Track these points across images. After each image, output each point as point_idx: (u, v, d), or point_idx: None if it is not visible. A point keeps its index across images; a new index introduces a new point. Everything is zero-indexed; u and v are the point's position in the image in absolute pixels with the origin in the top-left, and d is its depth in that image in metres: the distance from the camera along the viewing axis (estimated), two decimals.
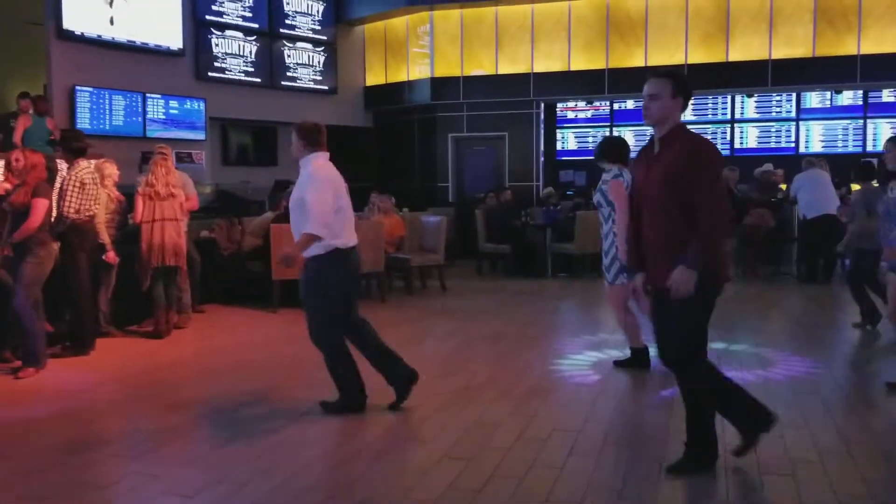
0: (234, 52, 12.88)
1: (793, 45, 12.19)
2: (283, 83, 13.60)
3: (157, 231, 7.01)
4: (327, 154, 4.67)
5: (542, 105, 13.76)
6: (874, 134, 12.71)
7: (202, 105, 12.33)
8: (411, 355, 6.10)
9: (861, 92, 12.77)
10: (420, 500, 3.43)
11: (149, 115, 11.66)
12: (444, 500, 3.42)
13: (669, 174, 3.49)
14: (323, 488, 3.63)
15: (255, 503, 3.44)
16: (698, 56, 12.63)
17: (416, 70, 14.33)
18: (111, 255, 6.82)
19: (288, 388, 5.36)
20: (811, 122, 13.16)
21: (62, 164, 6.56)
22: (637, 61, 12.93)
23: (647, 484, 3.58)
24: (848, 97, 12.92)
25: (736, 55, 12.47)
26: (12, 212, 5.72)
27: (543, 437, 4.20)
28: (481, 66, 13.82)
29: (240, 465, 3.88)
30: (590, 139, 14.32)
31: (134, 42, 11.36)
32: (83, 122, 10.73)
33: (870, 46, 11.83)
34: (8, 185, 6.07)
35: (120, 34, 11.17)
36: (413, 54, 14.39)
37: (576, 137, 14.50)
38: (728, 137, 13.44)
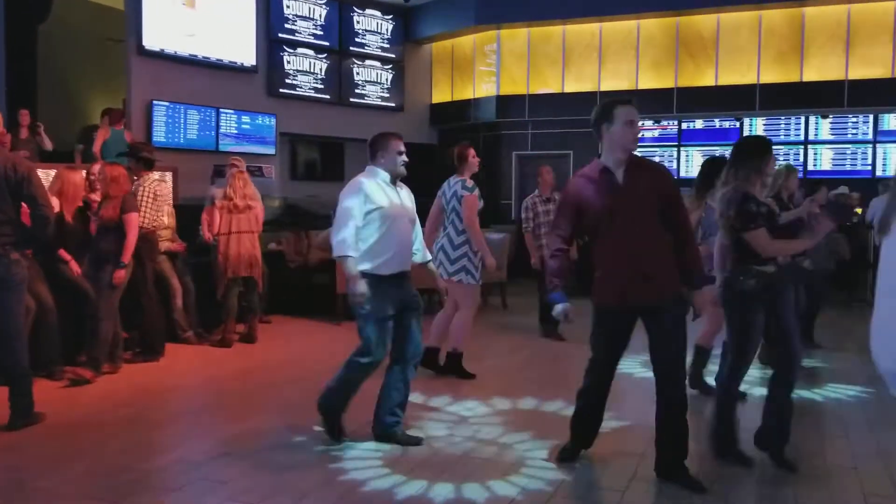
0: (305, 70, 13.15)
1: (871, 66, 11.83)
2: (351, 100, 13.81)
3: (233, 243, 7.19)
4: None
5: None
6: None
7: (273, 120, 12.61)
8: (475, 371, 6.14)
9: None
10: None
11: (222, 130, 11.97)
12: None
13: (660, 196, 3.72)
14: (382, 497, 3.64)
15: None
16: (771, 76, 12.36)
17: (483, 88, 14.39)
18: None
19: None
20: (889, 145, 12.72)
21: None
22: (707, 80, 12.73)
23: None
24: None
25: (811, 75, 12.16)
26: (102, 226, 5.94)
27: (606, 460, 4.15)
28: (547, 85, 13.79)
29: (301, 475, 3.93)
30: (656, 159, 14.12)
31: (209, 58, 11.70)
32: (159, 135, 11.06)
33: None
34: (96, 197, 6.30)
35: (196, 50, 11.52)
36: (479, 72, 14.45)
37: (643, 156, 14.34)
38: (801, 158, 13.09)
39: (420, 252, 4.64)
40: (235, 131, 12.16)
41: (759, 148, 4.09)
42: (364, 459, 4.16)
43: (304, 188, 13.21)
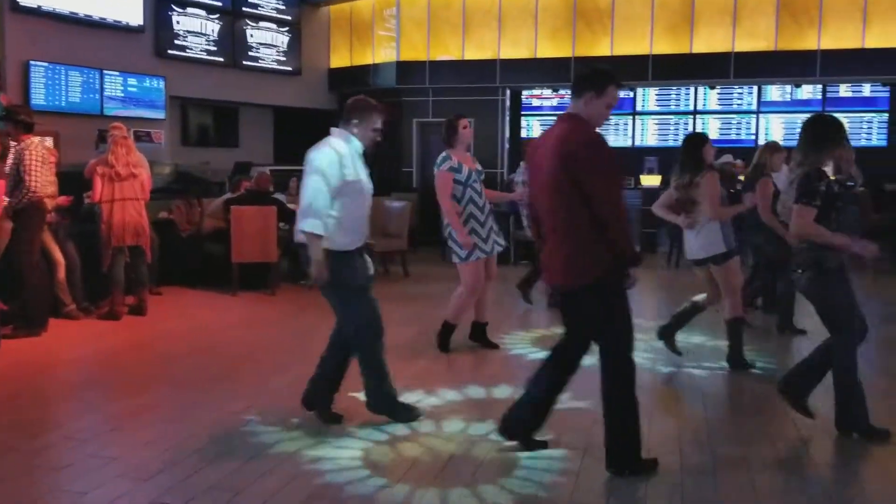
0: (196, 30, 12.62)
1: (755, 38, 12.32)
2: (245, 63, 13.36)
3: (117, 210, 6.89)
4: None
5: (508, 92, 13.74)
6: None
7: (162, 83, 12.07)
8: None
9: (820, 86, 12.98)
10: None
11: (106, 93, 11.37)
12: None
13: None
14: (278, 473, 3.59)
15: (212, 486, 3.40)
16: (663, 47, 12.70)
17: (382, 53, 14.20)
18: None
19: (244, 372, 5.30)
20: (771, 115, 13.35)
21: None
22: (603, 50, 12.96)
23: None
24: (808, 91, 13.11)
25: (700, 47, 12.56)
26: None
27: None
28: (448, 52, 13.74)
29: (195, 449, 3.82)
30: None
31: (91, 16, 11.06)
32: (38, 98, 10.42)
33: (829, 42, 12.01)
34: None
35: (78, 8, 10.87)
36: (379, 37, 14.25)
37: (541, 125, 14.48)
38: (690, 128, 13.55)
39: None
40: (121, 94, 11.58)
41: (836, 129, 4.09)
42: (270, 427, 4.09)
43: (196, 154, 12.77)
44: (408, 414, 4.25)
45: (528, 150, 3.77)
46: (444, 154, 5.69)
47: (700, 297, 5.67)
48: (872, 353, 6.05)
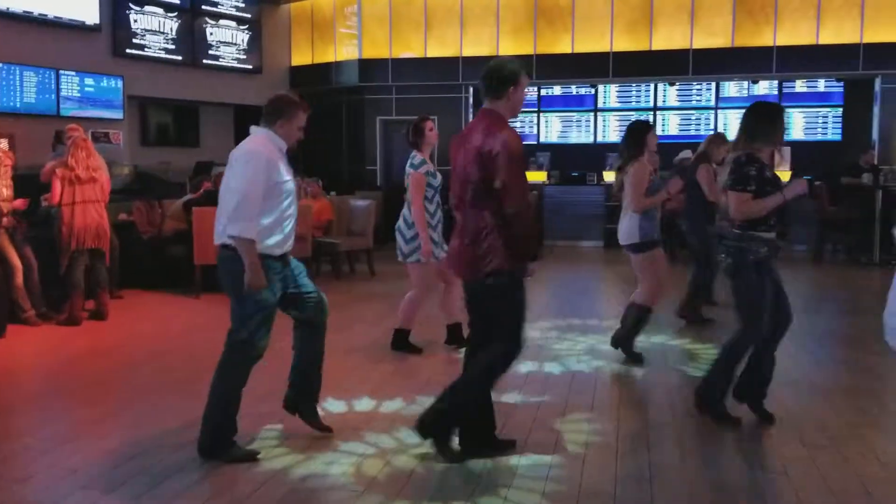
0: (154, 29, 12.44)
1: (713, 36, 12.51)
2: (205, 61, 13.22)
3: (78, 213, 6.78)
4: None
5: (472, 89, 13.77)
6: (787, 122, 13.16)
7: (119, 83, 11.89)
8: (341, 341, 6.10)
9: (776, 82, 13.22)
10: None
11: (63, 93, 11.18)
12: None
13: None
14: (249, 478, 3.56)
15: (177, 495, 3.37)
16: (623, 44, 12.84)
17: (344, 51, 14.14)
18: None
19: (210, 376, 5.24)
20: (729, 111, 13.57)
21: None
22: (564, 48, 13.06)
23: None
24: (764, 87, 13.36)
25: (659, 44, 12.72)
26: None
27: None
28: (410, 49, 13.72)
29: (161, 457, 3.78)
30: (517, 124, 14.42)
31: (46, 15, 10.85)
32: None
33: (785, 39, 12.24)
34: None
35: (32, 6, 10.65)
36: (340, 35, 14.18)
37: None
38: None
39: None
40: (78, 94, 11.38)
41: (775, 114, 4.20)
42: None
43: (156, 154, 12.61)
44: (240, 455, 3.77)
45: (451, 144, 3.83)
46: (421, 157, 5.66)
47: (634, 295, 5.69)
48: (836, 349, 6.20)
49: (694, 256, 7.08)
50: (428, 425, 3.69)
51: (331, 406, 4.52)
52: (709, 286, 6.96)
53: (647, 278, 5.54)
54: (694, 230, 6.85)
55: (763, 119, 4.16)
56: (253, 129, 3.89)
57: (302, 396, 4.07)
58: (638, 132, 5.54)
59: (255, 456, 3.77)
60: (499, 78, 3.66)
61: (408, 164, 5.68)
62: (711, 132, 13.46)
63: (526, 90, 3.78)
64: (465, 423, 3.77)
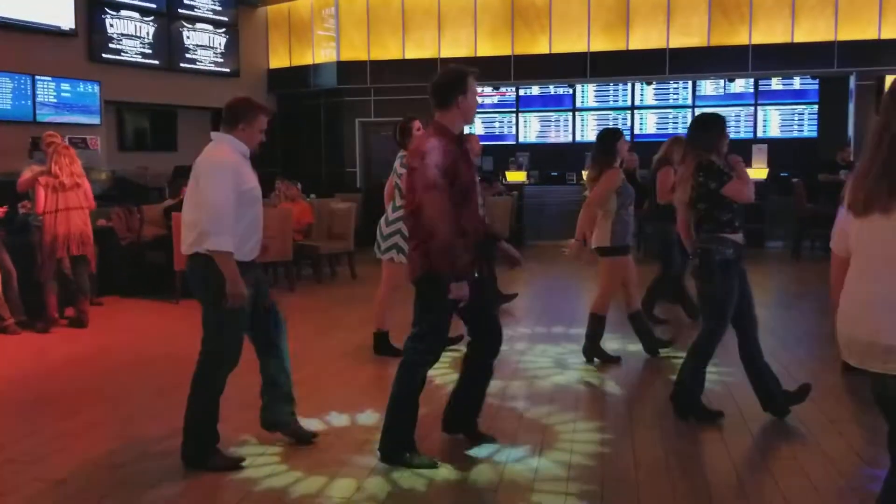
0: (130, 33, 12.34)
1: (689, 35, 12.61)
2: (182, 65, 13.13)
3: (61, 221, 6.76)
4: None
5: None
6: (764, 120, 13.33)
7: (96, 88, 11.78)
8: (322, 346, 6.10)
9: (752, 80, 13.34)
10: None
11: (39, 99, 11.06)
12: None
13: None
14: (232, 487, 3.56)
15: (168, 501, 3.36)
16: (600, 44, 12.91)
17: (322, 53, 14.10)
18: None
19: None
20: (706, 110, 13.66)
21: None
22: (542, 48, 13.11)
23: None
24: (740, 85, 13.47)
25: (636, 44, 12.80)
26: None
27: None
28: (388, 51, 13.72)
29: (145, 467, 3.76)
30: (496, 125, 14.46)
31: (21, 20, 10.73)
32: None
33: (760, 37, 12.37)
34: None
35: (6, 12, 10.53)
36: (318, 37, 14.15)
37: (483, 123, 14.59)
38: (629, 123, 13.81)
39: None
40: (55, 100, 11.27)
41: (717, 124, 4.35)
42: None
43: (134, 159, 12.50)
44: (225, 463, 3.76)
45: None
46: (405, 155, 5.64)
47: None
48: (814, 345, 6.28)
49: (658, 258, 7.15)
50: (386, 447, 3.71)
51: (318, 415, 4.52)
52: (668, 288, 6.99)
53: (603, 284, 5.63)
54: (657, 232, 6.96)
55: (698, 128, 4.38)
56: (214, 135, 3.83)
57: (278, 408, 4.01)
58: (608, 140, 5.58)
59: (240, 463, 3.77)
60: (446, 89, 3.70)
61: (398, 164, 5.67)
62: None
63: (478, 91, 3.80)
64: (411, 431, 3.71)
